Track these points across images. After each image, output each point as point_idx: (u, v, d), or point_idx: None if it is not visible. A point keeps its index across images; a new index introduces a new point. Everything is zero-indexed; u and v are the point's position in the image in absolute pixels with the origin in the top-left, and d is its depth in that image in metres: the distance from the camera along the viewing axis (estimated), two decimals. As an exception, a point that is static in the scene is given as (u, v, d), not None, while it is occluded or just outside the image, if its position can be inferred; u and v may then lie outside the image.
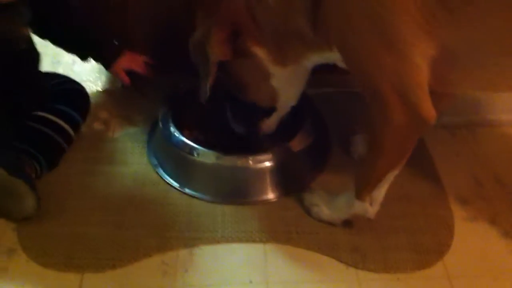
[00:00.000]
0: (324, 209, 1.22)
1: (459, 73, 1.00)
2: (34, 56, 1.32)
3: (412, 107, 0.99)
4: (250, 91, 1.24)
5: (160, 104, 1.41)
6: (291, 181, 1.30)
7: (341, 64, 1.11)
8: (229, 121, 1.34)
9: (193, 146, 1.28)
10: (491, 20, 0.91)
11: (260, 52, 1.16)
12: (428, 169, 1.36)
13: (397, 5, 0.93)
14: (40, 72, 1.37)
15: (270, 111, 1.29)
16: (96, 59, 1.42)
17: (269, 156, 1.28)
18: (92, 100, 1.45)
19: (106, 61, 1.42)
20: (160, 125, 1.36)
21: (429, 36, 0.94)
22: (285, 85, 1.23)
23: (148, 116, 1.46)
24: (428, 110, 0.99)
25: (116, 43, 1.43)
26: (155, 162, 1.36)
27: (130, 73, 1.42)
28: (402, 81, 0.98)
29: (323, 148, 1.39)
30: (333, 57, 1.10)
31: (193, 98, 1.40)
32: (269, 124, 1.31)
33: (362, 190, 1.15)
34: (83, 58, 1.41)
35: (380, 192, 1.17)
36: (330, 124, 1.45)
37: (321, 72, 1.51)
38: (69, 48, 1.40)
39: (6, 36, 1.21)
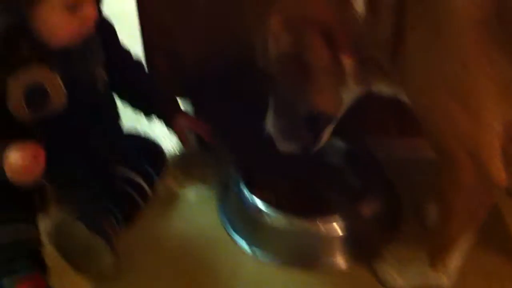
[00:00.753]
0: (397, 279, 1.20)
1: None
2: (113, 105, 1.38)
3: (483, 168, 0.97)
4: (319, 97, 1.13)
5: (232, 165, 1.44)
6: (362, 247, 1.29)
7: None
8: (277, 141, 1.26)
9: (263, 208, 1.30)
10: None
11: (347, 63, 1.09)
12: (503, 238, 1.31)
13: (481, 71, 0.94)
14: (120, 126, 1.42)
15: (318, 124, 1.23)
16: (158, 116, 1.45)
17: (340, 221, 1.27)
18: (166, 158, 1.49)
19: (165, 118, 1.44)
20: (232, 186, 1.38)
21: (507, 101, 0.94)
22: (347, 100, 1.20)
23: (221, 177, 1.49)
24: (499, 172, 0.98)
25: (176, 101, 1.46)
26: (226, 222, 1.37)
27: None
28: (474, 142, 0.97)
29: (394, 214, 1.38)
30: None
31: (266, 159, 1.44)
32: (323, 138, 1.26)
33: (435, 259, 1.13)
34: (147, 115, 1.45)
35: (454, 262, 1.14)
36: (402, 191, 1.43)
37: (392, 137, 1.53)
38: (134, 104, 1.43)
39: (85, 76, 1.25)
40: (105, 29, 1.26)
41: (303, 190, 1.41)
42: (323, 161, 1.49)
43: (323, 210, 1.35)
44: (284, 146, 1.25)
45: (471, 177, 0.98)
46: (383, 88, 1.15)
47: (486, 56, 0.93)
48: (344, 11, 1.04)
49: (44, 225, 1.28)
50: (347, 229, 1.27)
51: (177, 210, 1.41)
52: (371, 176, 1.38)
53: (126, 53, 1.40)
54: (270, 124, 1.24)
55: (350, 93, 1.16)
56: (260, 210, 1.30)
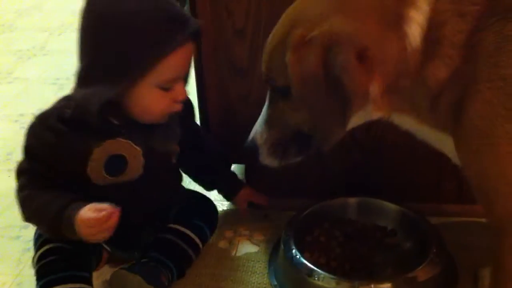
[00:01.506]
0: None
1: None
2: (178, 170, 1.44)
3: None
4: (329, 118, 1.03)
5: (282, 226, 1.43)
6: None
7: None
8: (261, 154, 1.18)
9: (313, 269, 1.28)
10: None
11: (375, 89, 1.00)
12: None
13: None
14: (181, 187, 1.48)
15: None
16: (219, 191, 1.52)
17: (391, 285, 1.23)
18: (218, 215, 1.51)
19: (229, 194, 1.52)
20: (282, 247, 1.38)
21: None
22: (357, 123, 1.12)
23: (271, 237, 1.49)
24: None
25: (236, 176, 1.52)
26: (275, 283, 1.36)
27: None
28: None
29: (449, 280, 1.33)
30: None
31: (315, 220, 1.43)
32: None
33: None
34: (208, 189, 1.52)
35: None
36: (457, 255, 1.39)
37: (446, 202, 1.50)
38: (198, 177, 1.51)
39: (163, 149, 1.32)
40: (185, 107, 1.31)
41: (354, 253, 1.39)
42: (375, 224, 1.47)
43: (374, 274, 1.33)
44: (268, 160, 1.18)
45: None
46: (406, 123, 1.10)
47: None
48: (394, 37, 0.96)
49: (98, 282, 1.32)
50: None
51: (227, 269, 1.41)
52: (425, 239, 1.35)
53: (198, 130, 1.48)
54: (257, 135, 1.17)
55: (362, 117, 1.09)
56: (309, 272, 1.28)
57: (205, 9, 1.40)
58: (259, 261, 1.43)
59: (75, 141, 1.20)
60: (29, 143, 1.23)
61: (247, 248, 1.48)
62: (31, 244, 1.34)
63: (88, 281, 1.26)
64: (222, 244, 1.48)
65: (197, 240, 1.39)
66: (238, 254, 1.46)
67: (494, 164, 0.96)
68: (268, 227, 1.53)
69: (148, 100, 1.19)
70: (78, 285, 1.22)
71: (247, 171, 1.63)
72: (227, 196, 1.54)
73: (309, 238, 1.43)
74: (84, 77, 1.19)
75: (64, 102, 1.24)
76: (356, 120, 1.08)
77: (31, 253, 1.33)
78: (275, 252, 1.44)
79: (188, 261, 1.38)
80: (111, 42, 1.14)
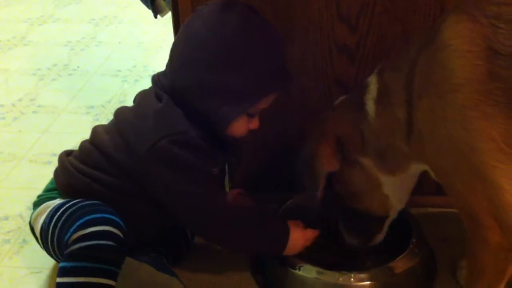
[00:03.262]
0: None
1: None
2: None
3: (507, 227, 0.98)
4: (364, 200, 1.28)
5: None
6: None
7: None
8: (343, 234, 1.37)
9: (295, 260, 1.29)
10: None
11: (366, 161, 1.21)
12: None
13: (479, 130, 0.96)
14: None
15: (381, 219, 1.31)
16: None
17: (371, 275, 1.26)
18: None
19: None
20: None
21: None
22: (396, 191, 1.26)
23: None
24: None
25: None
26: (258, 274, 1.37)
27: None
28: (493, 204, 0.98)
29: (428, 271, 1.35)
30: None
31: (295, 213, 1.44)
32: (382, 233, 1.33)
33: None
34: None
35: None
36: (437, 247, 1.41)
37: (427, 194, 1.51)
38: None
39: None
40: None
41: (335, 244, 1.40)
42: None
43: (355, 264, 1.34)
44: (353, 241, 1.36)
45: (497, 237, 0.99)
46: (419, 167, 1.20)
47: (484, 117, 0.96)
48: (358, 121, 1.19)
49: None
50: (378, 282, 1.25)
51: (209, 261, 1.41)
52: (406, 231, 1.36)
53: None
54: (342, 225, 1.37)
55: (392, 186, 1.25)
56: (291, 263, 1.29)
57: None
58: (241, 253, 1.42)
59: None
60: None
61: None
62: (10, 236, 1.34)
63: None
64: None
65: (189, 234, 1.42)
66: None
67: (448, 165, 1.05)
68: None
69: (238, 124, 1.25)
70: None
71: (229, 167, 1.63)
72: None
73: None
74: (205, 93, 1.21)
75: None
76: (391, 191, 1.27)
77: (10, 244, 1.32)
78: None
79: (180, 254, 1.39)
80: (246, 67, 1.19)
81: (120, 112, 1.32)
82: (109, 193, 1.25)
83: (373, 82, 1.18)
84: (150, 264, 1.25)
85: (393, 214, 1.32)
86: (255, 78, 1.20)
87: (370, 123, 1.18)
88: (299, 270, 1.27)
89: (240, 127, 1.26)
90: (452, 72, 0.99)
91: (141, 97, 1.32)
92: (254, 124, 1.28)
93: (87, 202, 1.22)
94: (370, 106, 1.18)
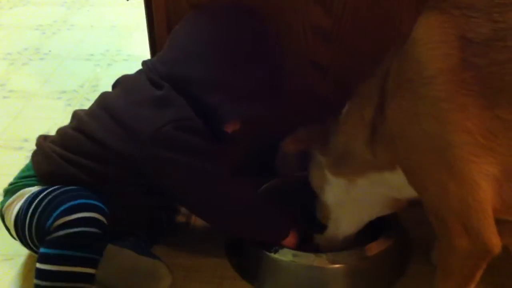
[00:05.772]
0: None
1: None
2: None
3: (476, 235, 0.96)
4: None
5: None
6: (367, 285, 1.28)
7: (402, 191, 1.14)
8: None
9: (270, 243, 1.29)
10: None
11: (321, 159, 1.26)
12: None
13: (454, 124, 0.93)
14: None
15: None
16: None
17: (346, 257, 1.26)
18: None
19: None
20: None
21: (489, 153, 0.92)
22: (341, 204, 1.27)
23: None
24: (492, 239, 0.96)
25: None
26: (233, 257, 1.37)
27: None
28: (465, 206, 0.95)
29: (402, 254, 1.36)
30: (393, 179, 1.11)
31: (271, 196, 1.44)
32: (325, 241, 1.34)
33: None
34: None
35: None
36: (411, 229, 1.42)
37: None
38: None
39: None
40: None
41: (311, 227, 1.40)
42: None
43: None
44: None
45: (466, 244, 0.97)
46: (374, 179, 1.18)
47: (459, 108, 0.93)
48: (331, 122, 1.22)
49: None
50: (352, 264, 1.26)
51: (185, 244, 1.41)
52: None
53: None
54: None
55: (336, 192, 1.27)
56: (266, 245, 1.29)
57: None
58: (216, 233, 1.41)
59: None
60: None
61: (204, 222, 1.46)
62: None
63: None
64: (180, 218, 1.48)
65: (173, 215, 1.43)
66: (195, 229, 1.45)
67: (419, 165, 1.02)
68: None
69: (234, 123, 1.30)
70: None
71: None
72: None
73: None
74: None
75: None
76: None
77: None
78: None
79: (158, 234, 1.39)
80: (256, 71, 1.24)
81: (107, 98, 1.29)
82: (96, 182, 1.22)
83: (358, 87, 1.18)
84: (130, 248, 1.23)
85: (339, 230, 1.32)
86: (261, 85, 1.23)
87: (337, 123, 1.20)
88: (275, 253, 1.27)
89: (236, 127, 1.28)
90: (423, 64, 0.96)
91: (130, 82, 1.30)
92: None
93: (70, 187, 1.19)
94: (345, 107, 1.20)
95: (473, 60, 0.92)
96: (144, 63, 1.29)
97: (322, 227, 1.35)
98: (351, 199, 1.25)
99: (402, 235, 1.38)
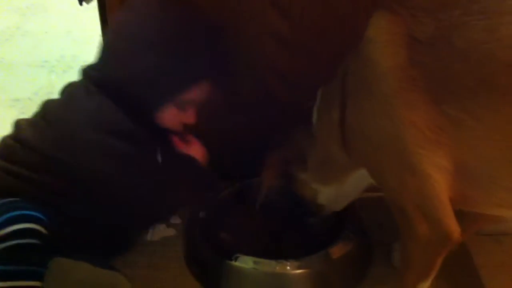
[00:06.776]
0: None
1: (478, 190, 0.98)
2: None
3: (435, 222, 0.98)
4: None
5: (198, 208, 1.41)
6: (331, 288, 1.27)
7: None
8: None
9: (230, 251, 1.27)
10: (500, 137, 0.91)
11: (304, 176, 1.28)
12: (472, 279, 1.29)
13: (405, 120, 0.96)
14: None
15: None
16: None
17: (308, 262, 1.25)
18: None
19: None
20: (198, 229, 1.35)
21: (437, 146, 0.95)
22: (332, 200, 1.30)
23: (187, 220, 1.45)
24: (451, 226, 0.98)
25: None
26: (194, 266, 1.34)
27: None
28: (421, 196, 0.98)
29: (363, 256, 1.36)
30: None
31: (232, 202, 1.42)
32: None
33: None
34: None
35: None
36: (373, 230, 1.42)
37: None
38: None
39: None
40: None
41: (272, 232, 1.39)
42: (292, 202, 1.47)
43: (292, 251, 1.33)
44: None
45: (425, 231, 1.00)
46: (358, 176, 1.21)
47: (407, 104, 0.96)
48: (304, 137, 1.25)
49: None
50: (315, 269, 1.25)
51: (143, 256, 1.37)
52: (342, 216, 1.37)
53: None
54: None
55: (327, 195, 1.30)
56: (227, 253, 1.27)
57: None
58: (175, 245, 1.39)
59: None
60: None
61: (163, 232, 1.44)
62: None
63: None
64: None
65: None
66: (153, 238, 1.42)
67: (377, 160, 1.06)
68: (185, 210, 1.47)
69: (166, 115, 1.25)
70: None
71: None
72: None
73: (227, 219, 1.41)
74: None
75: None
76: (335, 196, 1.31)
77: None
78: (191, 235, 1.41)
79: (117, 248, 1.33)
80: (169, 56, 1.20)
81: (49, 106, 1.26)
82: (36, 192, 1.17)
83: (320, 91, 1.20)
84: (86, 261, 1.17)
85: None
86: (176, 68, 1.18)
87: (311, 135, 1.22)
88: (235, 260, 1.25)
89: (170, 119, 1.24)
90: (375, 62, 0.99)
91: (70, 90, 1.27)
92: (188, 118, 1.26)
93: (8, 199, 1.14)
94: (314, 115, 1.21)
95: (419, 58, 0.95)
96: (83, 70, 1.27)
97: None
98: (344, 193, 1.29)
99: (363, 237, 1.38)
